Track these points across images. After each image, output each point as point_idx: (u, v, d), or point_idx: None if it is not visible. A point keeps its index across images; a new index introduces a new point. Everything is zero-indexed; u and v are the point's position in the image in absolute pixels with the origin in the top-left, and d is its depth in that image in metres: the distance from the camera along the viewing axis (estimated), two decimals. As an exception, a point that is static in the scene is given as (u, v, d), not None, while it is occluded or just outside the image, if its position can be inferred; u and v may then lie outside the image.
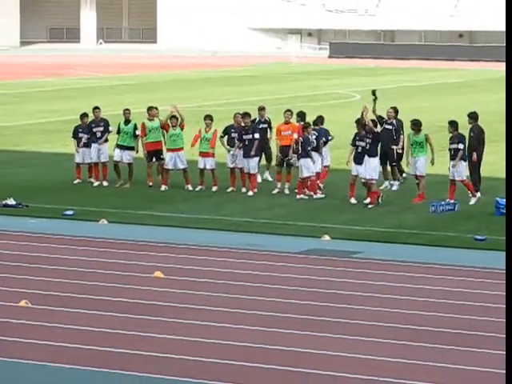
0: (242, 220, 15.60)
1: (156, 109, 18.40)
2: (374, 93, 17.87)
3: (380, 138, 16.75)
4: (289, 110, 18.01)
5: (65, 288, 10.85)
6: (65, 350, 8.15)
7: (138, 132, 17.91)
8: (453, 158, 16.19)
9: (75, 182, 18.85)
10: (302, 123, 17.13)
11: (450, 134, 16.88)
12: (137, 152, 18.27)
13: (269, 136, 18.27)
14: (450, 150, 16.79)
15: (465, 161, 16.47)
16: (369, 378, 6.89)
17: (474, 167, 17.13)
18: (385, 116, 17.87)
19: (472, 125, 17.49)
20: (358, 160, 16.24)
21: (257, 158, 17.31)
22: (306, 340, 8.23)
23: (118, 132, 18.48)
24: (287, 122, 17.61)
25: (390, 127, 17.51)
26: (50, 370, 7.62)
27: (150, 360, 7.76)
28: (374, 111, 17.69)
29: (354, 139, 16.49)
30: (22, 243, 13.60)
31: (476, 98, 34.54)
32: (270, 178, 18.26)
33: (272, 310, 9.48)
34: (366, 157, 16.09)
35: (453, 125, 16.90)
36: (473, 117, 17.52)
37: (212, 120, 18.06)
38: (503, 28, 14.61)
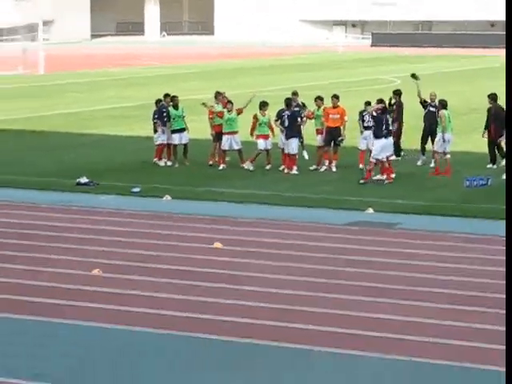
0: (294, 195, 16.07)
1: (222, 95, 18.98)
2: (414, 76, 18.88)
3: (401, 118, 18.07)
4: (335, 96, 18.42)
5: (133, 257, 11.46)
6: (133, 313, 8.76)
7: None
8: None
9: (159, 162, 19.31)
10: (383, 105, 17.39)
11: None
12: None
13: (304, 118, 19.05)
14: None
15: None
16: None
17: (491, 143, 18.31)
18: (428, 99, 18.50)
19: (491, 104, 18.46)
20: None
21: (296, 139, 18.00)
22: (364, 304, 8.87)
23: (168, 119, 19.06)
24: (335, 106, 18.09)
25: (433, 109, 18.10)
26: (120, 333, 8.22)
27: (215, 324, 8.33)
28: (418, 94, 18.66)
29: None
30: (94, 217, 14.23)
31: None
32: (306, 157, 18.83)
33: (320, 275, 10.04)
34: (373, 137, 17.00)
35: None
36: (492, 98, 18.65)
37: (267, 105, 18.62)
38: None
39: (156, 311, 9.01)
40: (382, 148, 16.66)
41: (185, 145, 19.34)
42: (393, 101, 18.47)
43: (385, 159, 16.79)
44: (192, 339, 8.00)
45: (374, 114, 16.91)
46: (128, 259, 11.44)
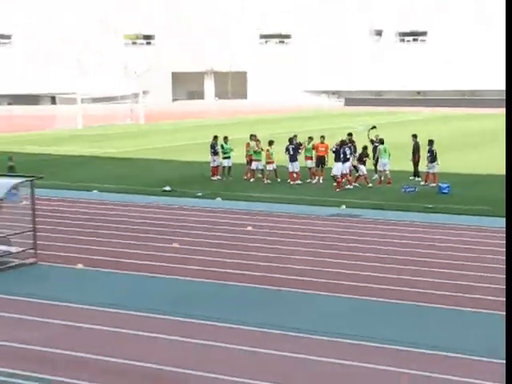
0: (297, 198, 23.14)
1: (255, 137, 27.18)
2: (373, 127, 27.67)
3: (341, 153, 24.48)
4: (322, 136, 26.42)
5: (200, 237, 17.59)
6: (203, 271, 14.40)
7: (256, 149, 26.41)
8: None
9: (213, 178, 27.23)
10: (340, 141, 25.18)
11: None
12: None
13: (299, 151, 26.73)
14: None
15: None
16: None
17: (414, 164, 26.02)
18: (374, 139, 26.63)
19: (413, 141, 26.75)
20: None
21: (298, 162, 25.76)
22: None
23: (215, 152, 27.21)
24: (322, 142, 25.95)
25: (377, 144, 25.75)
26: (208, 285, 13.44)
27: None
28: (368, 136, 26.98)
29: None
30: (173, 212, 21.21)
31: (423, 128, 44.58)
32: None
33: (318, 243, 16.57)
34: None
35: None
36: (414, 136, 26.98)
37: (273, 142, 27.00)
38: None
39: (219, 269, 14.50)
40: (337, 169, 24.18)
41: (229, 167, 27.14)
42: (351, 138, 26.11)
43: (339, 176, 24.02)
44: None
45: (334, 148, 24.27)
46: (195, 237, 17.56)
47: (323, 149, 25.89)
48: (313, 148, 26.37)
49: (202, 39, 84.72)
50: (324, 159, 25.93)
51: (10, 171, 24.76)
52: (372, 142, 26.63)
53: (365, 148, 25.77)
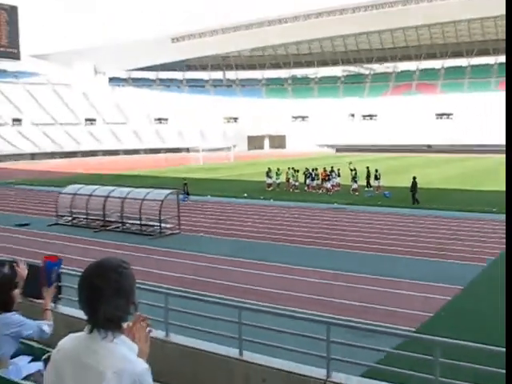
0: (311, 199, 35.31)
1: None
2: (350, 163, 42.03)
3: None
4: (324, 168, 41.82)
5: (262, 225, 27.34)
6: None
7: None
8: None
9: (268, 188, 40.88)
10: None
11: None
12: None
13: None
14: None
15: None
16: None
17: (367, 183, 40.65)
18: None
19: (367, 168, 40.74)
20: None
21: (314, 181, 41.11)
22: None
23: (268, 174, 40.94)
24: (325, 170, 41.19)
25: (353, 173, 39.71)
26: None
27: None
28: (349, 167, 41.30)
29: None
30: (247, 207, 32.58)
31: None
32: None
33: (318, 225, 29.63)
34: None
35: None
36: (367, 168, 41.16)
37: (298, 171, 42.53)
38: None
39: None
40: (327, 184, 37.81)
41: (278, 183, 41.09)
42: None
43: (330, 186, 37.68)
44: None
45: (328, 173, 38.45)
46: (257, 227, 27.22)
47: (323, 174, 40.86)
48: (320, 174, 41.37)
49: (262, 119, 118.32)
50: (324, 179, 40.46)
51: (184, 186, 37.00)
52: (350, 169, 41.21)
53: (331, 171, 41.28)
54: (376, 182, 40.17)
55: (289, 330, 8.86)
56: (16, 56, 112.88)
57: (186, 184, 37.78)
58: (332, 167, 42.40)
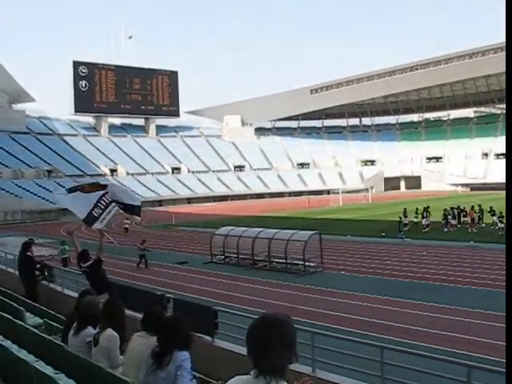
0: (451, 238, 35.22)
1: None
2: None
3: None
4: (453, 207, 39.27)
5: (404, 258, 28.98)
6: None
7: None
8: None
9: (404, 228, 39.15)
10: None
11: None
12: None
13: None
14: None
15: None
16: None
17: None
18: None
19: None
20: None
21: None
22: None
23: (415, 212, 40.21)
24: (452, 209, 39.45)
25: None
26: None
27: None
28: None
29: None
30: (386, 246, 32.85)
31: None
32: None
33: None
34: None
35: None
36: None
37: None
38: None
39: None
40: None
41: (415, 222, 40.23)
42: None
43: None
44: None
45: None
46: (407, 258, 29.31)
47: (471, 213, 39.43)
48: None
49: (397, 161, 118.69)
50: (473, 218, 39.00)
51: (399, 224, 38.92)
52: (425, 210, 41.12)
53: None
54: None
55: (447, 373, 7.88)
56: (176, 113, 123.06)
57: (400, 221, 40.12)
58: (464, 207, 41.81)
